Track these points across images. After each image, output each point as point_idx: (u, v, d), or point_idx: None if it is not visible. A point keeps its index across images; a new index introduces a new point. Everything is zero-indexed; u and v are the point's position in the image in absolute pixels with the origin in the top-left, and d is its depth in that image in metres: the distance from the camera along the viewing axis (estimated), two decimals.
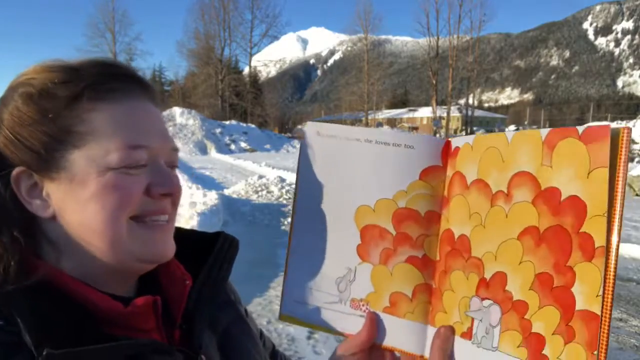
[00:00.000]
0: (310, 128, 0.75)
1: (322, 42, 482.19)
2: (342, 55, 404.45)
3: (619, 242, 0.49)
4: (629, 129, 0.49)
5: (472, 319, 0.62)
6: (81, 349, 0.56)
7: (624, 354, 4.32)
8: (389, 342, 0.70)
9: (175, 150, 0.71)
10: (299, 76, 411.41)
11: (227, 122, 41.44)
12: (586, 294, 0.50)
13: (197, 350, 0.70)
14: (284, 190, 12.44)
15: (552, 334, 0.53)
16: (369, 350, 0.71)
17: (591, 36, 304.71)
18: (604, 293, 0.49)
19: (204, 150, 34.04)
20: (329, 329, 0.73)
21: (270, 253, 6.75)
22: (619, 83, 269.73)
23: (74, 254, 0.64)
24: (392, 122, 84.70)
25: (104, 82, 0.65)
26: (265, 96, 67.21)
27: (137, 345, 0.61)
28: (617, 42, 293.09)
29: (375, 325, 0.70)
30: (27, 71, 0.67)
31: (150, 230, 0.65)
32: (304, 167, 0.75)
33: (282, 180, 13.43)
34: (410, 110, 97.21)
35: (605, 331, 0.49)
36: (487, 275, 0.60)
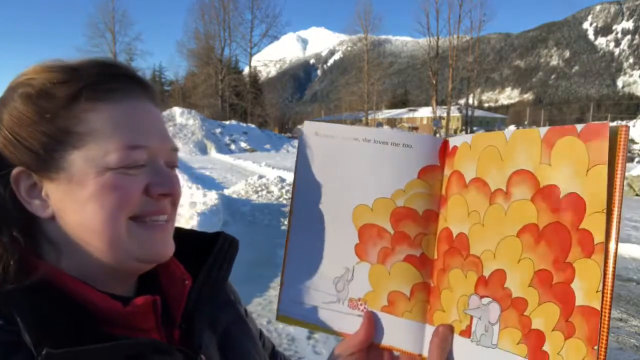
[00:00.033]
0: (307, 128, 0.75)
1: (322, 42, 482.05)
2: (342, 55, 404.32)
3: (617, 238, 0.49)
4: (627, 127, 0.50)
5: (471, 317, 0.62)
6: (80, 349, 0.56)
7: (624, 354, 4.32)
8: (387, 341, 0.70)
9: (175, 150, 0.71)
10: (299, 76, 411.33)
11: (227, 122, 41.44)
12: (586, 290, 0.50)
13: (196, 350, 0.70)
14: (284, 190, 12.44)
15: (552, 330, 0.53)
16: (367, 350, 0.71)
17: (591, 36, 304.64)
18: (603, 288, 0.49)
19: (204, 150, 34.04)
20: (326, 329, 0.73)
21: (270, 253, 6.75)
22: (619, 83, 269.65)
23: (74, 254, 0.64)
24: (392, 122, 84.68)
25: (103, 82, 0.65)
26: (265, 96, 67.20)
27: (137, 344, 0.61)
28: (617, 42, 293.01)
29: (373, 325, 0.70)
30: (26, 71, 0.67)
31: (149, 230, 0.66)
32: (302, 167, 0.75)
33: (282, 180, 13.43)
34: (410, 110, 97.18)
35: (606, 326, 0.49)
36: (486, 273, 0.60)
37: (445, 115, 57.88)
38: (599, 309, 0.49)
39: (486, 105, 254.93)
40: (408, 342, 0.69)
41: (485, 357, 0.60)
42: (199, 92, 56.28)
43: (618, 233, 0.50)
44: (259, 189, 12.75)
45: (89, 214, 0.62)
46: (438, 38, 57.89)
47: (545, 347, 0.53)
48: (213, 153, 33.16)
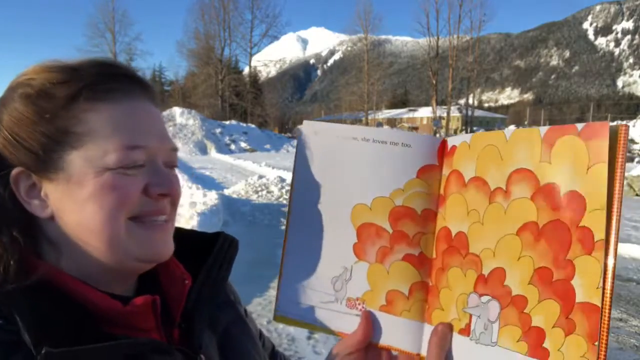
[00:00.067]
0: (306, 127, 0.75)
1: (322, 42, 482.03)
2: (342, 55, 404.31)
3: (617, 234, 0.50)
4: (627, 127, 0.51)
5: (470, 316, 0.62)
6: (80, 348, 0.56)
7: (624, 354, 4.32)
8: (385, 340, 0.70)
9: (175, 150, 0.71)
10: (299, 76, 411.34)
11: (227, 122, 41.42)
12: (586, 287, 0.51)
13: (196, 350, 0.70)
14: (284, 190, 12.44)
15: (552, 327, 0.53)
16: (365, 349, 0.70)
17: (591, 36, 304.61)
18: (603, 285, 0.49)
19: (204, 150, 34.03)
20: (324, 328, 0.73)
21: (270, 253, 6.75)
22: (619, 83, 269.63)
23: (73, 254, 0.64)
24: (392, 122, 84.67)
25: (102, 82, 0.65)
26: (265, 96, 67.19)
27: (136, 344, 0.62)
28: (617, 42, 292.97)
29: (370, 324, 0.69)
30: (26, 71, 0.67)
31: (148, 230, 0.66)
32: (300, 166, 0.75)
33: (282, 180, 13.43)
34: (410, 110, 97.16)
35: (606, 322, 0.49)
36: (485, 272, 0.60)
37: (445, 115, 57.87)
38: (599, 305, 0.49)
39: (486, 105, 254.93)
40: (406, 341, 0.69)
41: (484, 355, 0.60)
42: (199, 92, 56.25)
43: (618, 230, 0.50)
44: (259, 189, 12.75)
45: (88, 214, 0.62)
46: (438, 38, 57.88)
47: (546, 344, 0.54)
48: (213, 153, 33.15)
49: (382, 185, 0.70)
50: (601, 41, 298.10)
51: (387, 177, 0.70)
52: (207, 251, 0.77)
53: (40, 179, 0.64)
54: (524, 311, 0.56)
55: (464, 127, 62.69)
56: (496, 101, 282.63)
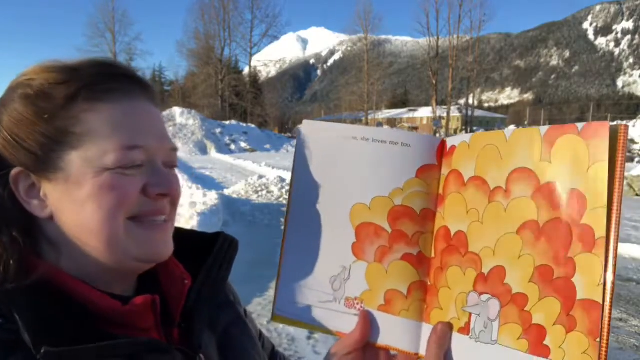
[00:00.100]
0: (306, 126, 0.75)
1: (322, 42, 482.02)
2: (342, 55, 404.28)
3: (618, 232, 0.51)
4: (626, 126, 0.52)
5: (470, 314, 0.62)
6: (79, 347, 0.56)
7: (624, 354, 4.32)
8: (383, 340, 0.70)
9: (174, 150, 0.71)
10: (299, 76, 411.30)
11: (227, 122, 41.41)
12: (587, 284, 0.51)
13: (196, 350, 0.70)
14: (284, 190, 12.43)
15: (553, 324, 0.53)
16: (363, 349, 0.70)
17: (591, 36, 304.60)
18: (604, 281, 0.50)
19: (204, 150, 34.02)
20: (323, 328, 0.72)
21: (270, 253, 6.75)
22: (619, 83, 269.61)
23: (73, 254, 0.65)
24: (392, 122, 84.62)
25: (101, 82, 0.65)
26: (265, 96, 67.16)
27: (136, 343, 0.62)
28: (617, 42, 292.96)
29: (368, 324, 0.69)
30: (26, 71, 0.67)
31: (148, 230, 0.66)
32: (300, 166, 0.74)
33: (282, 180, 13.42)
34: (410, 110, 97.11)
35: (607, 318, 0.49)
36: (485, 270, 0.60)
37: (445, 115, 57.87)
38: (600, 301, 0.50)
39: (486, 105, 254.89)
40: (405, 341, 0.68)
41: (484, 353, 0.60)
42: (199, 92, 56.23)
43: (618, 227, 0.51)
44: (259, 189, 12.75)
45: (86, 214, 0.62)
46: (438, 38, 57.87)
47: (547, 341, 0.54)
48: (213, 153, 33.15)
49: (381, 184, 0.70)
50: (601, 41, 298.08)
51: (386, 177, 0.70)
52: (207, 251, 0.77)
53: (40, 179, 0.64)
54: (525, 309, 0.56)
55: (464, 127, 62.69)
56: (496, 101, 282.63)
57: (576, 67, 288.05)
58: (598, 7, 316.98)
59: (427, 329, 0.67)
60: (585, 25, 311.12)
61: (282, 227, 0.74)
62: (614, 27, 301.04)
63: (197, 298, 0.73)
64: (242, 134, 38.75)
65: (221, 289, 0.80)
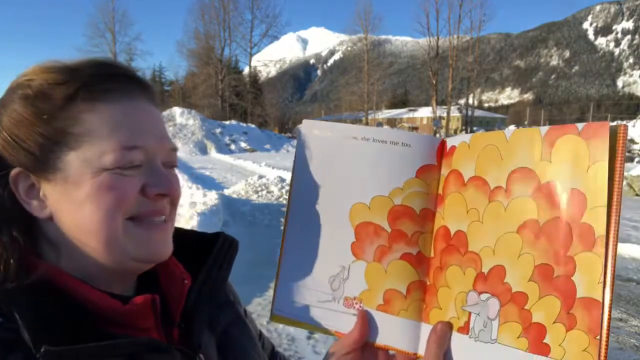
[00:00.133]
0: (306, 126, 0.75)
1: (322, 42, 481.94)
2: (342, 55, 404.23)
3: (617, 230, 0.51)
4: (626, 127, 0.52)
5: (469, 314, 0.62)
6: (79, 347, 0.56)
7: (624, 354, 4.32)
8: (382, 340, 0.69)
9: (174, 150, 0.71)
10: (299, 76, 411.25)
11: (227, 122, 41.41)
12: (587, 282, 0.51)
13: (195, 350, 0.70)
14: (284, 190, 12.43)
15: (553, 322, 0.53)
16: (361, 349, 0.70)
17: (591, 36, 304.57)
18: (604, 279, 0.50)
19: (204, 150, 34.02)
20: (321, 328, 0.72)
21: (270, 253, 6.75)
22: (619, 83, 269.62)
23: (72, 254, 0.65)
24: (392, 122, 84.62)
25: (100, 82, 0.65)
26: (265, 96, 67.14)
27: (136, 343, 0.62)
28: (617, 42, 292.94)
29: (367, 324, 0.69)
30: (26, 72, 0.67)
31: (146, 231, 0.66)
32: (300, 165, 0.74)
33: (282, 180, 13.42)
34: (410, 110, 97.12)
35: (607, 316, 0.50)
36: (485, 270, 0.60)
37: (445, 115, 57.86)
38: (600, 299, 0.50)
39: (486, 105, 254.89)
40: (403, 341, 0.68)
41: (484, 352, 0.60)
42: (199, 92, 56.21)
43: (618, 226, 0.51)
44: (259, 189, 12.75)
45: (85, 214, 0.62)
46: (438, 38, 57.86)
47: (547, 340, 0.54)
48: (213, 153, 33.14)
49: (381, 184, 0.70)
50: (601, 41, 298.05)
51: (386, 176, 0.70)
52: (207, 251, 0.77)
53: (39, 179, 0.64)
54: (525, 308, 0.56)
55: (464, 127, 62.68)
56: (496, 101, 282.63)
57: (576, 67, 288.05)
58: (598, 7, 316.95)
59: (426, 329, 0.67)
60: (585, 25, 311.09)
61: (282, 227, 0.74)
62: (614, 27, 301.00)
63: (197, 298, 0.73)
64: (242, 134, 38.75)
65: (221, 289, 0.80)
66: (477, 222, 0.62)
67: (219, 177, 18.01)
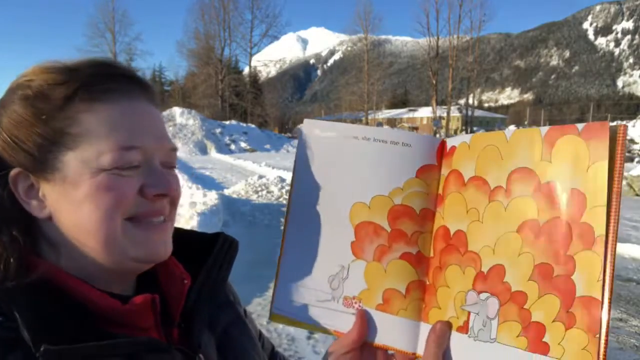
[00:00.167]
0: (307, 125, 0.75)
1: (322, 42, 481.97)
2: (342, 55, 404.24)
3: (617, 229, 0.51)
4: (625, 127, 0.53)
5: (469, 313, 0.62)
6: (79, 346, 0.56)
7: (624, 354, 4.32)
8: (381, 340, 0.69)
9: (174, 150, 0.71)
10: (299, 76, 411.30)
11: (227, 122, 41.40)
12: (587, 281, 0.51)
13: (195, 350, 0.70)
14: (284, 190, 12.43)
15: (553, 321, 0.54)
16: (360, 348, 0.70)
17: (591, 36, 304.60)
18: (604, 277, 0.50)
19: (204, 150, 34.02)
20: (320, 327, 0.72)
21: (270, 253, 6.75)
22: (619, 83, 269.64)
23: (72, 254, 0.65)
24: (392, 122, 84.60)
25: (99, 82, 0.65)
26: (265, 96, 67.12)
27: (135, 343, 0.62)
28: (617, 42, 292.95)
29: (365, 323, 0.69)
30: (26, 72, 0.67)
31: (145, 231, 0.66)
32: (300, 165, 0.75)
33: (282, 180, 13.42)
34: (410, 110, 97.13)
35: (607, 314, 0.50)
36: (485, 269, 0.61)
37: (445, 115, 57.86)
38: (599, 298, 0.50)
39: (486, 105, 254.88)
40: (402, 340, 0.68)
41: (483, 351, 0.60)
42: (199, 92, 56.20)
43: (617, 225, 0.52)
44: (259, 189, 12.75)
45: (84, 214, 0.62)
46: (438, 38, 57.86)
47: (546, 338, 0.54)
48: (213, 153, 33.14)
49: (381, 184, 0.70)
50: (601, 41, 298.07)
51: (386, 176, 0.70)
52: (207, 252, 0.77)
53: (38, 179, 0.64)
54: (524, 307, 0.56)
55: (464, 127, 62.67)
56: (496, 101, 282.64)
57: (576, 67, 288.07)
58: (598, 7, 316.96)
59: (425, 329, 0.67)
60: (585, 25, 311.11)
61: (282, 227, 0.75)
62: (614, 27, 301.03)
63: (197, 298, 0.73)
64: (242, 134, 38.74)
65: (221, 289, 0.80)
66: (477, 222, 0.62)
67: (219, 177, 18.01)
